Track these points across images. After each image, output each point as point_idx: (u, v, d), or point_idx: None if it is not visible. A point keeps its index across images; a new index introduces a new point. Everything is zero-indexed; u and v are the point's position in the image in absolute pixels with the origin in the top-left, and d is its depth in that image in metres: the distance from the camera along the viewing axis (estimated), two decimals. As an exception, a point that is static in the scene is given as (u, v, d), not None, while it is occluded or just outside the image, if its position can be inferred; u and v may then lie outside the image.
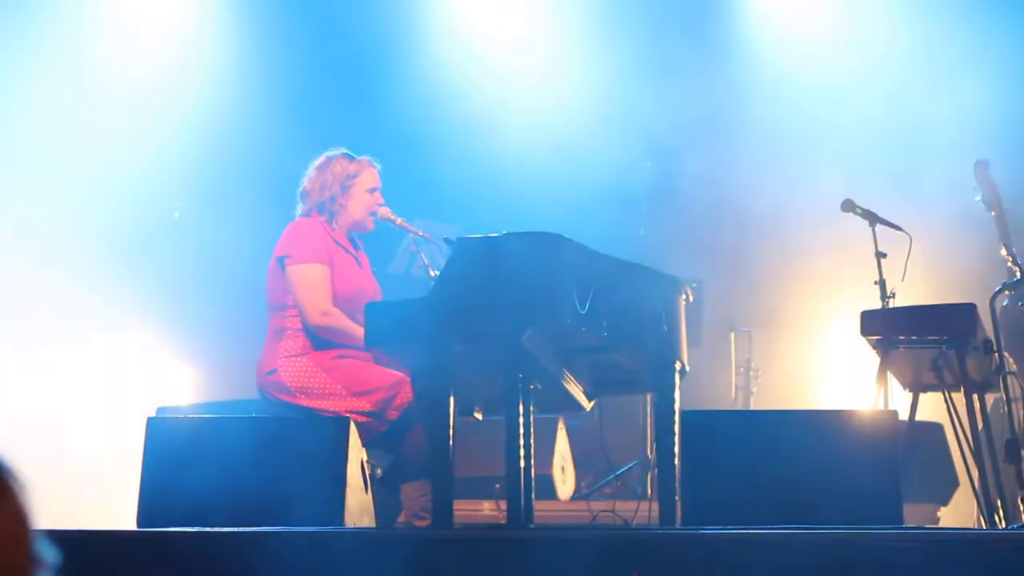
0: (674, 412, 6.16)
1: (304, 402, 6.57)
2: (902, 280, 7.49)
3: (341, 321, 6.67)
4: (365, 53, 10.91)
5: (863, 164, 10.02)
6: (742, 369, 10.07)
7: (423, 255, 7.84)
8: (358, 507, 5.98)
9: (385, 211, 7.05)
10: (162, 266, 10.34)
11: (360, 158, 7.05)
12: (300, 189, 7.02)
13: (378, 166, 7.08)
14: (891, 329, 6.72)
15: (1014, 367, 7.36)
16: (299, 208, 7.01)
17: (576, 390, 6.32)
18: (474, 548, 4.75)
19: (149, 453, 6.03)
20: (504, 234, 5.69)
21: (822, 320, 10.17)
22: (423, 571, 4.67)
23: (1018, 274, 7.27)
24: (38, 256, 9.99)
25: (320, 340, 6.70)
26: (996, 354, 6.89)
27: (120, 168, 10.31)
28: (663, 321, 6.13)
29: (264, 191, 9.86)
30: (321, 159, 7.04)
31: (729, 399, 10.04)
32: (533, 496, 5.80)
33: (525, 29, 11.05)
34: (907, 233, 7.53)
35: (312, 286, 6.71)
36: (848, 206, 7.63)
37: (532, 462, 5.73)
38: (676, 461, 6.10)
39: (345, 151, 7.05)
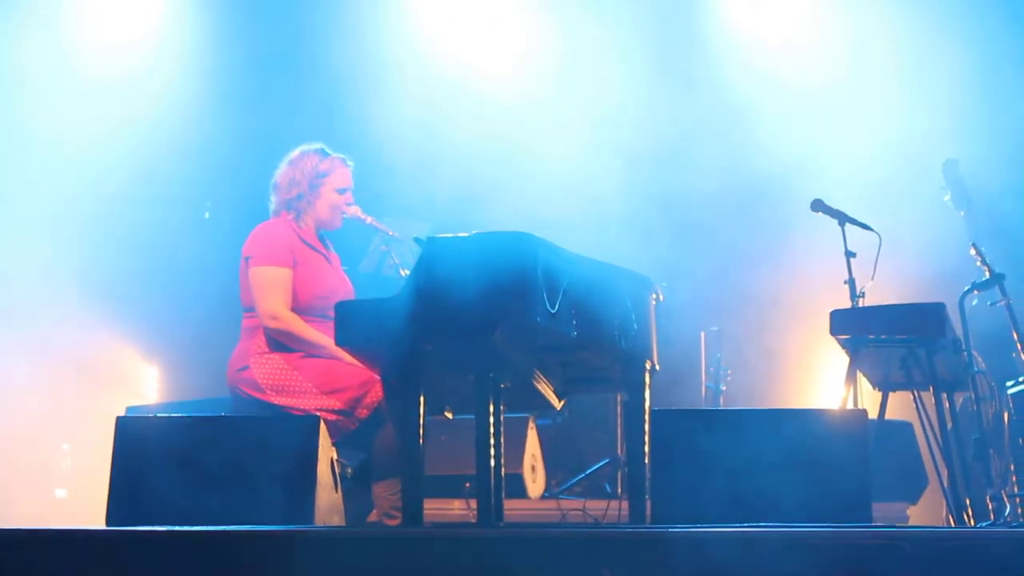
0: (644, 411, 6.17)
1: (275, 399, 6.57)
2: (871, 279, 7.51)
3: (291, 325, 6.67)
4: (341, 50, 10.88)
5: (832, 163, 10.03)
6: (712, 368, 10.07)
7: (393, 254, 7.83)
8: (328, 506, 5.97)
9: (355, 210, 7.04)
10: (133, 265, 10.30)
11: (333, 156, 7.03)
12: (272, 181, 7.02)
13: (351, 165, 7.06)
14: (861, 328, 6.76)
15: (983, 366, 7.38)
16: (272, 199, 7.01)
17: (546, 389, 6.33)
18: (444, 547, 4.74)
19: (118, 452, 6.00)
20: (474, 233, 5.69)
21: (792, 319, 10.18)
22: (393, 570, 4.66)
23: (987, 273, 7.29)
24: (10, 257, 9.96)
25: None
26: (965, 353, 6.92)
27: (90, 169, 10.26)
28: (633, 320, 6.14)
29: (237, 190, 9.84)
30: (295, 153, 7.02)
31: (699, 398, 10.05)
32: (503, 495, 5.80)
33: (500, 26, 11.03)
34: (876, 233, 7.55)
35: (265, 288, 6.71)
36: (818, 206, 7.65)
37: (502, 461, 5.73)
38: (646, 460, 6.11)
39: (320, 147, 7.03)
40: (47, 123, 10.20)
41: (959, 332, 6.93)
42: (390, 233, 7.26)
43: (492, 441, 5.69)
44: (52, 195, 10.13)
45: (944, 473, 6.93)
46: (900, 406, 7.76)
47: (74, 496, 9.76)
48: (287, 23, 10.95)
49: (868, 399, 7.53)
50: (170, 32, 10.81)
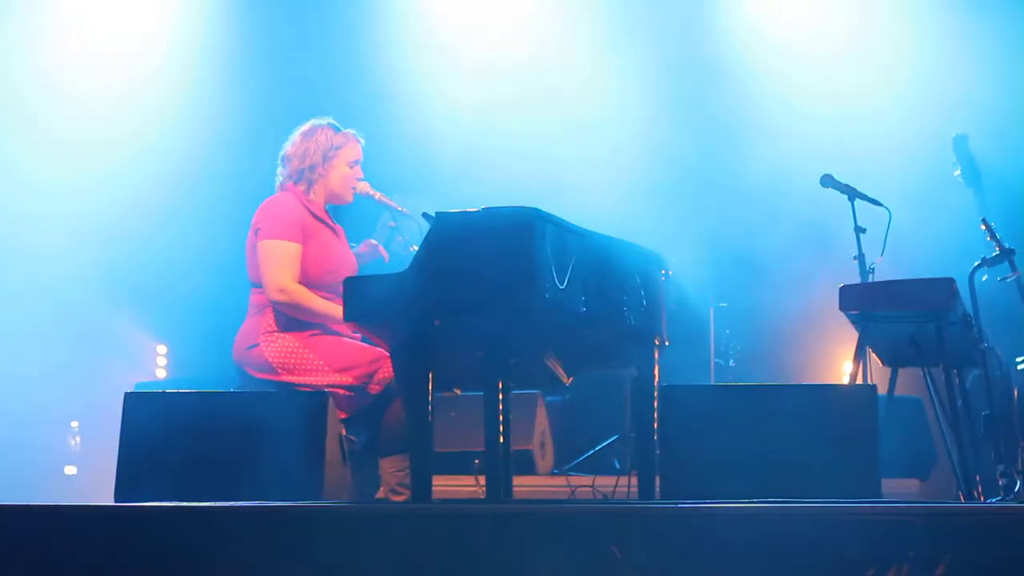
0: (653, 387, 6.17)
1: (285, 377, 6.55)
2: (881, 255, 7.49)
3: (298, 297, 6.63)
4: (350, 26, 10.87)
5: (842, 138, 10.01)
6: (721, 344, 10.06)
7: (402, 230, 7.81)
8: (336, 482, 5.97)
9: (364, 185, 7.04)
10: (139, 244, 10.30)
11: (346, 131, 7.04)
12: (282, 153, 7.00)
13: (362, 140, 7.07)
14: (870, 304, 6.74)
15: (993, 342, 7.36)
16: (279, 172, 6.99)
17: (555, 365, 6.31)
18: (453, 523, 4.74)
19: (126, 428, 6.02)
20: (482, 209, 5.67)
21: (801, 295, 10.16)
22: (402, 546, 4.66)
23: (997, 249, 7.26)
24: (20, 239, 9.98)
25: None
26: (975, 329, 6.90)
27: (92, 150, 10.27)
28: (643, 296, 6.13)
29: (243, 166, 9.83)
30: (307, 126, 7.02)
31: (708, 374, 10.03)
32: (512, 471, 5.80)
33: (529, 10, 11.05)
34: (886, 208, 7.54)
35: (273, 261, 6.68)
36: (827, 181, 7.63)
37: (511, 437, 5.72)
38: (655, 436, 6.10)
39: (331, 121, 7.03)
40: (62, 114, 10.22)
41: (969, 308, 6.91)
42: (399, 209, 7.24)
43: (501, 418, 5.67)
44: (63, 179, 10.14)
45: (954, 449, 6.92)
46: (910, 382, 7.75)
47: (83, 473, 9.78)
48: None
49: (878, 375, 7.52)
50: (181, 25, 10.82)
